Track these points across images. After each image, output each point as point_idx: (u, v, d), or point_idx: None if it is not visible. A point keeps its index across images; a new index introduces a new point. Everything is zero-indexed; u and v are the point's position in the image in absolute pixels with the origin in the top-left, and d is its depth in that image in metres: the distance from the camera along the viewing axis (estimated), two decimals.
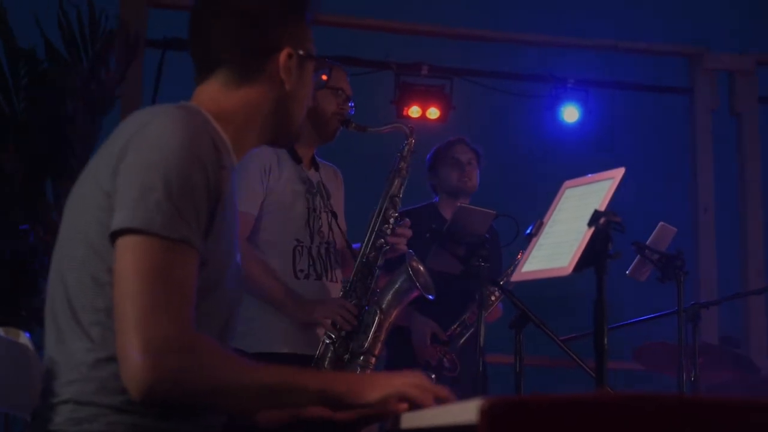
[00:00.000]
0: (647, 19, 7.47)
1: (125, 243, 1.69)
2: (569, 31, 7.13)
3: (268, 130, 2.01)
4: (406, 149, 3.73)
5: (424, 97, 6.55)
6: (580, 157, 6.18)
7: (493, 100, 6.98)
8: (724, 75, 6.91)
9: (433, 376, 4.13)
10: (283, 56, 1.96)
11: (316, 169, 3.78)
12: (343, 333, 3.50)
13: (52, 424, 1.75)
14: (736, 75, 6.85)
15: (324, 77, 3.54)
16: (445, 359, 4.23)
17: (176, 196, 1.69)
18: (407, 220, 3.68)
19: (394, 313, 3.58)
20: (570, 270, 2.23)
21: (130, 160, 1.73)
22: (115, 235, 1.70)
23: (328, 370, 2.29)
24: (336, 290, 3.67)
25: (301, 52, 2.00)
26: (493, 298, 4.35)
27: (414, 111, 6.52)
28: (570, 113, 6.73)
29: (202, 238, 1.75)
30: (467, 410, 1.20)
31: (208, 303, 1.81)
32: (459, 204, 3.91)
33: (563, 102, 6.74)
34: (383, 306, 3.54)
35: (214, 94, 1.96)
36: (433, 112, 6.54)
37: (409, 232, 3.65)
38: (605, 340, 2.22)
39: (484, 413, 1.14)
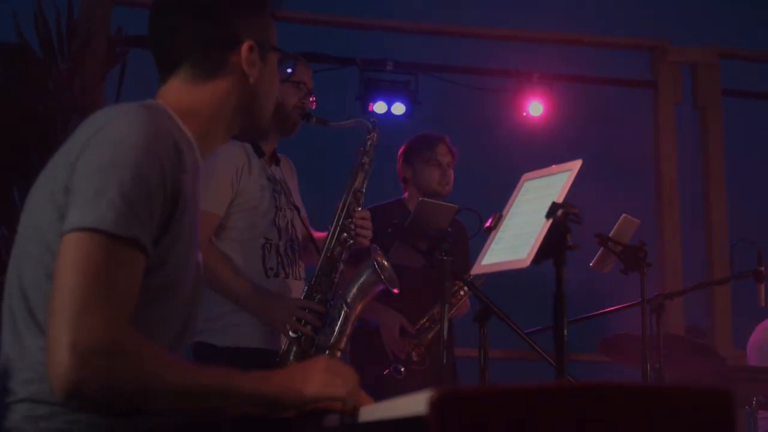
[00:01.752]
0: (610, 13, 7.50)
1: (71, 239, 1.67)
2: (533, 26, 7.16)
3: (235, 125, 2.01)
4: (368, 144, 3.73)
5: (389, 93, 6.56)
6: (545, 151, 6.20)
7: (458, 95, 6.99)
8: (687, 68, 6.96)
9: (403, 369, 4.14)
10: (245, 49, 1.96)
11: (277, 163, 3.79)
12: (309, 327, 3.50)
13: (9, 422, 1.74)
14: (699, 68, 6.90)
15: (289, 70, 3.54)
16: (413, 353, 4.24)
17: (130, 195, 1.68)
18: (365, 210, 3.68)
19: (359, 307, 3.58)
20: (528, 262, 2.24)
21: (87, 159, 1.72)
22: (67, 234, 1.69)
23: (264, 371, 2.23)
24: (299, 288, 3.67)
25: (263, 45, 2.00)
26: (462, 293, 4.36)
27: (379, 107, 6.53)
28: (534, 107, 6.76)
29: (154, 239, 1.73)
30: (417, 402, 1.20)
31: (168, 303, 1.80)
32: (420, 198, 3.91)
33: (528, 96, 6.78)
34: (348, 300, 3.55)
35: (178, 91, 1.95)
36: (399, 108, 6.55)
37: (368, 222, 3.67)
38: (565, 331, 2.23)
39: (433, 405, 1.14)
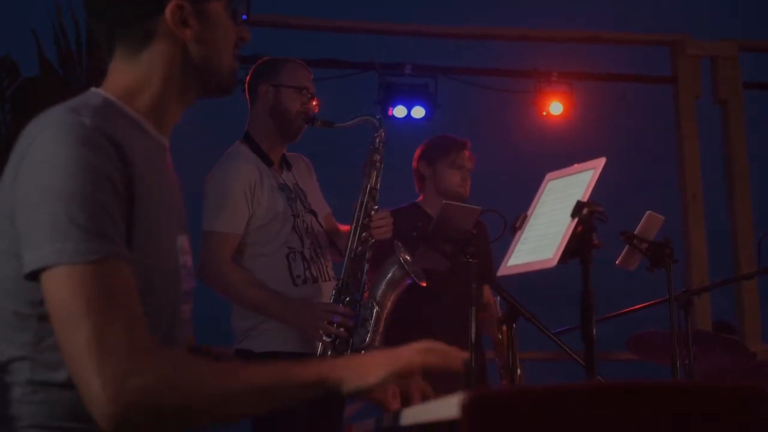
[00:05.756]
0: (628, 9, 7.47)
1: (49, 280, 1.60)
2: (551, 25, 7.15)
3: (190, 87, 1.90)
4: (377, 141, 3.75)
5: (409, 97, 6.56)
6: (567, 150, 6.18)
7: (477, 97, 7.00)
8: (707, 62, 6.92)
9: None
10: (169, 11, 1.83)
11: (288, 168, 3.82)
12: (341, 329, 3.53)
13: None
14: (719, 61, 6.86)
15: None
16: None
17: (83, 217, 1.60)
18: (383, 210, 3.71)
19: (389, 304, 3.61)
20: (555, 262, 2.23)
21: (25, 188, 1.64)
22: (33, 274, 1.62)
23: (324, 358, 2.10)
24: (330, 288, 3.70)
25: None
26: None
27: (399, 111, 6.53)
28: (555, 106, 6.75)
29: (126, 245, 1.67)
30: (449, 406, 1.19)
31: (148, 299, 1.71)
32: (444, 201, 3.90)
33: (548, 96, 6.77)
34: (378, 298, 3.58)
35: (118, 72, 1.86)
36: (419, 111, 6.54)
37: (386, 220, 3.69)
38: (593, 330, 2.22)
39: (466, 408, 1.14)
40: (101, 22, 1.87)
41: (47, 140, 1.66)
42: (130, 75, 1.85)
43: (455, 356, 1.78)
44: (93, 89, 1.85)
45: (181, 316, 1.87)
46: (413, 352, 1.72)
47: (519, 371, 4.17)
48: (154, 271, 1.75)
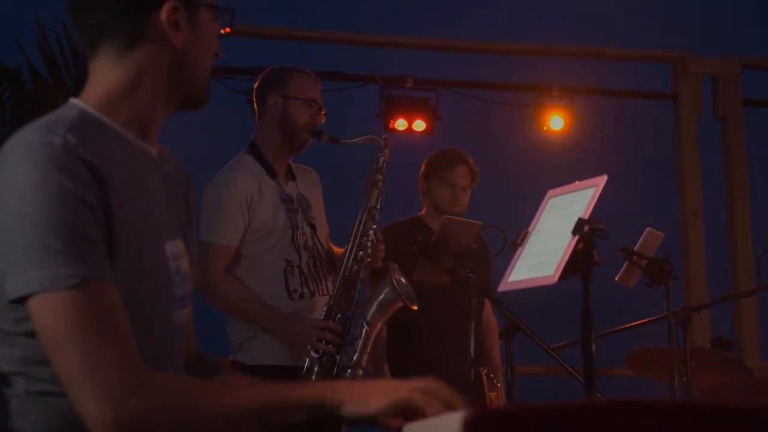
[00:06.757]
0: (630, 26, 7.49)
1: (33, 307, 1.57)
2: (553, 40, 7.16)
3: (174, 96, 1.81)
4: (381, 161, 3.73)
5: (410, 110, 6.56)
6: (567, 165, 6.20)
7: (479, 111, 7.00)
8: (708, 79, 6.94)
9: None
10: (165, 11, 1.73)
11: (293, 179, 3.80)
12: (330, 346, 3.52)
13: None
14: (720, 79, 6.88)
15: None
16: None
17: (57, 242, 1.56)
18: (378, 234, 3.70)
19: (379, 325, 3.59)
20: (556, 279, 2.24)
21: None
22: (18, 300, 1.58)
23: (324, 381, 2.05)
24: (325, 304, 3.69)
25: (190, 2, 1.77)
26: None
27: (400, 124, 6.52)
28: (555, 121, 6.76)
29: (108, 264, 1.62)
30: (451, 423, 1.19)
31: (133, 315, 1.66)
32: (445, 216, 3.91)
33: (549, 110, 6.77)
34: (368, 318, 3.55)
35: (102, 71, 1.77)
36: (420, 125, 6.54)
37: (380, 245, 3.69)
38: (593, 346, 2.23)
39: (468, 425, 1.14)
40: (89, 16, 1.75)
41: (16, 162, 1.60)
42: (115, 76, 1.76)
43: (447, 401, 1.64)
44: (71, 101, 1.78)
45: (175, 322, 1.83)
46: (416, 390, 1.64)
47: (499, 384, 4.19)
48: (140, 281, 1.72)
